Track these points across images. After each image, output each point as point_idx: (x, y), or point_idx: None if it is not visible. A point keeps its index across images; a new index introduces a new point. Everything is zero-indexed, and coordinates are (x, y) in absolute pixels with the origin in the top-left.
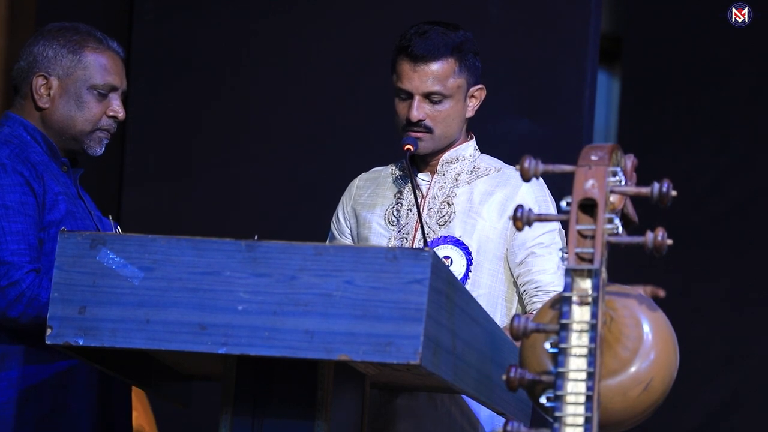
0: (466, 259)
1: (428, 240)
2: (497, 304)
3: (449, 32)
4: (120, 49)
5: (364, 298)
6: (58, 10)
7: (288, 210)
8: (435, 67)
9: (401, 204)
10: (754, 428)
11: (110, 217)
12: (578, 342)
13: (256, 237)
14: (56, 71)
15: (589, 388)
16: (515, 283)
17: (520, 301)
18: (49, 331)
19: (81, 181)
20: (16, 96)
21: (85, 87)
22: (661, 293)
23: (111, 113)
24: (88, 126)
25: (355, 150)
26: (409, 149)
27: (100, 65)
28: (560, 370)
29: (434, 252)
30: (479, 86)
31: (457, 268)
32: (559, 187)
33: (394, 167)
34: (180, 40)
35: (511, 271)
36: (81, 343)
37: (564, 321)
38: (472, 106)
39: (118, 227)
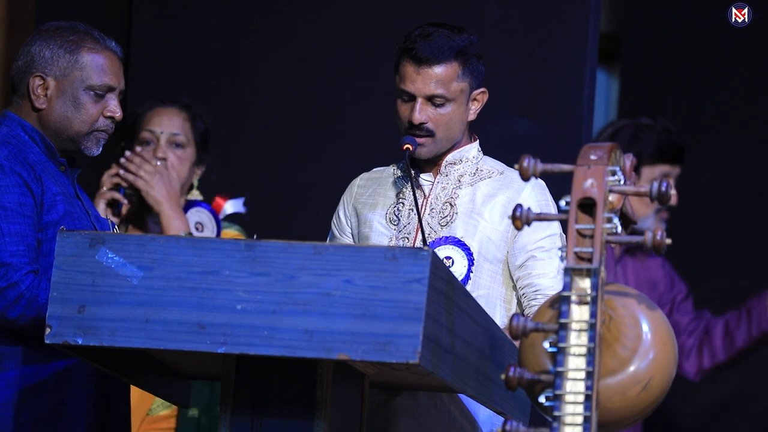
0: (468, 259)
1: (430, 240)
2: (496, 306)
3: (454, 35)
4: (118, 48)
5: (363, 298)
6: (58, 9)
7: (288, 210)
8: (438, 70)
9: (402, 204)
10: (754, 428)
11: (108, 217)
12: (577, 341)
13: (255, 236)
14: (53, 72)
15: (588, 388)
16: (515, 286)
17: (519, 303)
18: (48, 330)
19: (79, 181)
20: (14, 95)
21: (82, 88)
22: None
23: (108, 114)
24: (85, 127)
25: (355, 150)
26: (408, 148)
27: (97, 65)
28: (559, 369)
29: (433, 251)
30: (482, 90)
31: (459, 269)
32: (559, 186)
33: (395, 167)
34: (179, 40)
35: (510, 273)
36: (80, 343)
37: (563, 320)
38: (474, 109)
39: (116, 227)
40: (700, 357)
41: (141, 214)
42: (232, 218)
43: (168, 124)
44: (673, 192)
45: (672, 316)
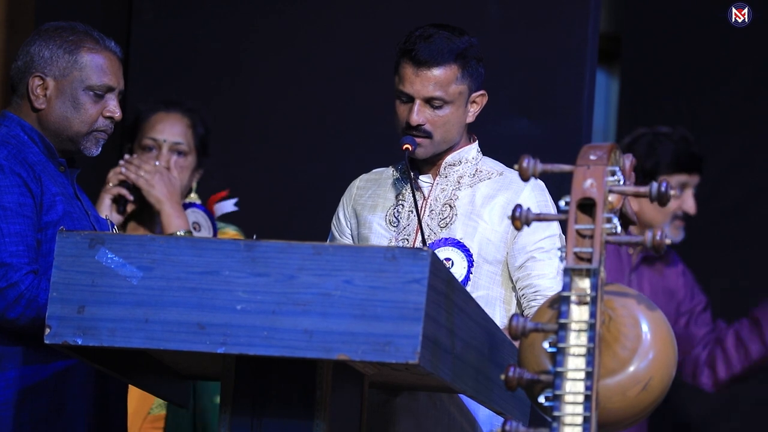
0: (467, 261)
1: (430, 242)
2: (496, 307)
3: (454, 38)
4: (117, 48)
5: (363, 298)
6: (58, 9)
7: (287, 210)
8: (437, 72)
9: (402, 206)
10: (754, 428)
11: (107, 215)
12: (577, 341)
13: (254, 236)
14: (52, 72)
15: (587, 388)
16: (514, 287)
17: (519, 304)
18: (47, 330)
19: (79, 181)
20: (14, 95)
21: (81, 88)
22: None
23: (107, 114)
24: (84, 127)
25: (355, 150)
26: (407, 148)
27: (96, 66)
28: (559, 369)
29: (433, 252)
30: (481, 92)
31: (458, 270)
32: (558, 186)
33: (394, 169)
34: (179, 39)
35: (510, 274)
36: (80, 343)
37: (563, 320)
38: (473, 111)
39: (115, 227)
40: (714, 369)
41: (141, 212)
42: (229, 218)
43: (170, 132)
44: (684, 199)
45: (689, 327)
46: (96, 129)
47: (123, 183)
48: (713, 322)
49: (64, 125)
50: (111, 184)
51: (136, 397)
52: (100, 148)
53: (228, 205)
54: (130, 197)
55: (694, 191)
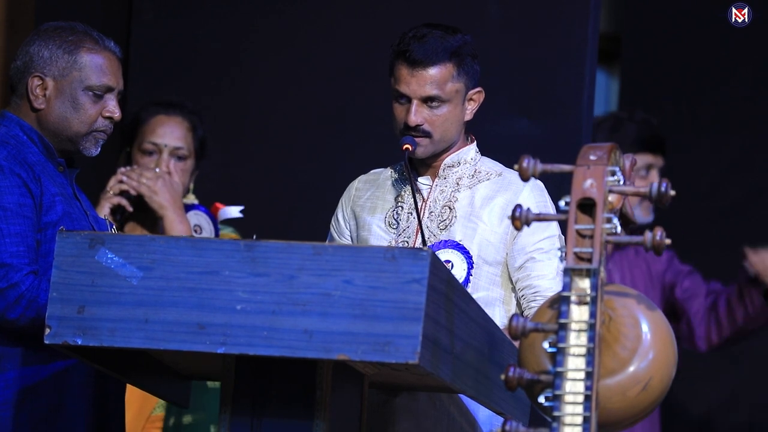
0: (467, 263)
1: (429, 243)
2: (495, 307)
3: (447, 36)
4: (117, 48)
5: (362, 298)
6: (58, 9)
7: (287, 210)
8: (433, 72)
9: (401, 207)
10: (754, 428)
11: (105, 217)
12: (577, 341)
13: (254, 236)
14: (52, 72)
15: (587, 388)
16: (514, 288)
17: (518, 305)
18: (47, 330)
19: (78, 181)
20: (13, 95)
21: (81, 88)
22: None
23: (107, 114)
24: (83, 128)
25: (355, 150)
26: (408, 149)
27: (95, 66)
28: (559, 369)
29: (433, 252)
30: (478, 89)
31: (458, 272)
32: (558, 186)
33: (392, 170)
34: (179, 40)
35: (510, 275)
36: (80, 343)
37: (563, 320)
38: (471, 109)
39: (114, 227)
40: (708, 329)
41: (141, 214)
42: (227, 220)
43: (171, 137)
44: (650, 180)
45: (675, 293)
46: (95, 129)
47: (123, 192)
48: (705, 284)
49: (64, 125)
50: (111, 192)
51: (139, 398)
52: (99, 149)
53: (235, 211)
54: (130, 208)
55: (660, 174)
